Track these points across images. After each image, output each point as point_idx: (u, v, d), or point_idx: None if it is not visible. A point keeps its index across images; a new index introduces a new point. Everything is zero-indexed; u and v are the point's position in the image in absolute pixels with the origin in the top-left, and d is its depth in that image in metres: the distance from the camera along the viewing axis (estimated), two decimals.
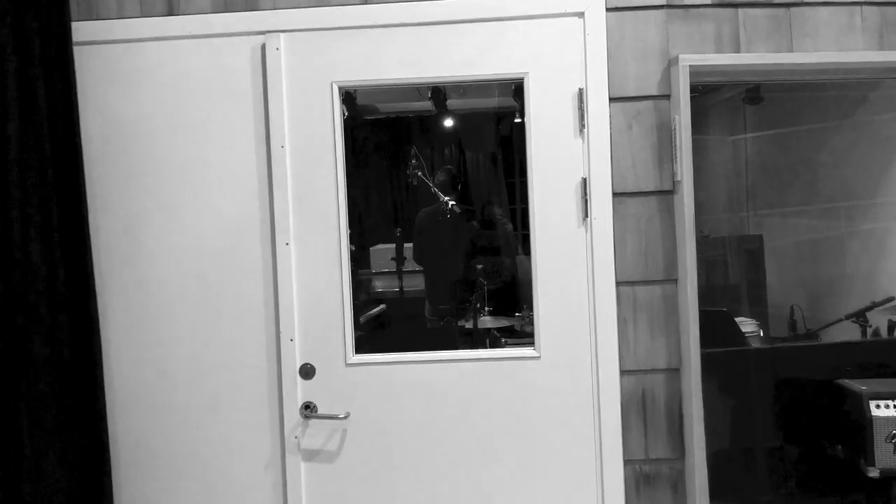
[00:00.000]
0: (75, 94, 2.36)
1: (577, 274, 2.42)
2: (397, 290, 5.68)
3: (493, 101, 6.47)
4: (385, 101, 6.23)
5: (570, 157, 2.42)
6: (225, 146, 2.48)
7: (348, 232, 2.48)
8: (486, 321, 4.29)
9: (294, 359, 2.47)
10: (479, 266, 5.92)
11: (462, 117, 6.56)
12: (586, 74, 2.41)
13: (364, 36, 2.43)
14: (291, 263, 2.46)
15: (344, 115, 5.31)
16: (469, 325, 4.21)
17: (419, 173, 3.91)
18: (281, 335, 2.46)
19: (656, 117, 2.42)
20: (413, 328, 5.30)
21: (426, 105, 5.48)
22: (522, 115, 2.48)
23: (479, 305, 4.24)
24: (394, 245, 5.69)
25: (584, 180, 2.41)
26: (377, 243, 6.10)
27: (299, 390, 2.47)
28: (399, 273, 5.62)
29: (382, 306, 5.82)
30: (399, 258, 5.63)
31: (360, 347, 3.85)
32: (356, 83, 2.46)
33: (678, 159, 2.38)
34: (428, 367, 2.47)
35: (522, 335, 4.49)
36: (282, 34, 2.44)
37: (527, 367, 2.45)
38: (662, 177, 2.42)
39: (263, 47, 2.45)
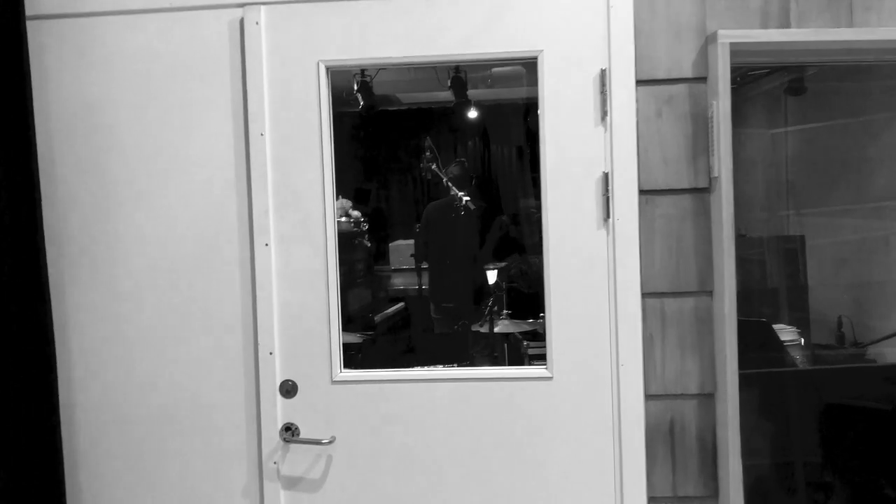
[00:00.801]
0: (28, 74, 2.06)
1: (596, 283, 2.07)
2: (416, 287, 5.39)
3: (521, 92, 6.14)
4: (406, 91, 5.92)
5: (590, 149, 2.06)
6: (198, 133, 2.16)
7: (337, 230, 2.15)
8: (505, 325, 3.95)
9: (274, 375, 2.15)
10: (503, 264, 5.62)
11: (488, 109, 6.25)
12: (610, 53, 2.05)
13: (353, 9, 2.09)
14: (272, 266, 2.14)
15: (360, 104, 5.01)
16: (484, 329, 3.87)
17: (433, 166, 3.55)
18: (259, 347, 2.15)
19: (691, 103, 2.06)
20: (424, 332, 5.00)
21: (449, 95, 5.16)
22: None
23: (496, 308, 3.90)
24: (413, 241, 5.40)
25: (606, 175, 2.06)
26: (397, 239, 5.85)
27: (279, 410, 2.16)
28: (418, 270, 5.33)
29: (400, 304, 5.56)
30: (418, 255, 5.33)
31: (366, 352, 3.54)
32: (344, 62, 2.12)
33: (716, 152, 2.02)
34: (424, 386, 2.14)
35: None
36: (262, 6, 2.11)
37: (537, 389, 2.11)
38: (697, 172, 2.06)
39: (242, 21, 2.13)
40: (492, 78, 5.70)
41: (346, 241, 5.32)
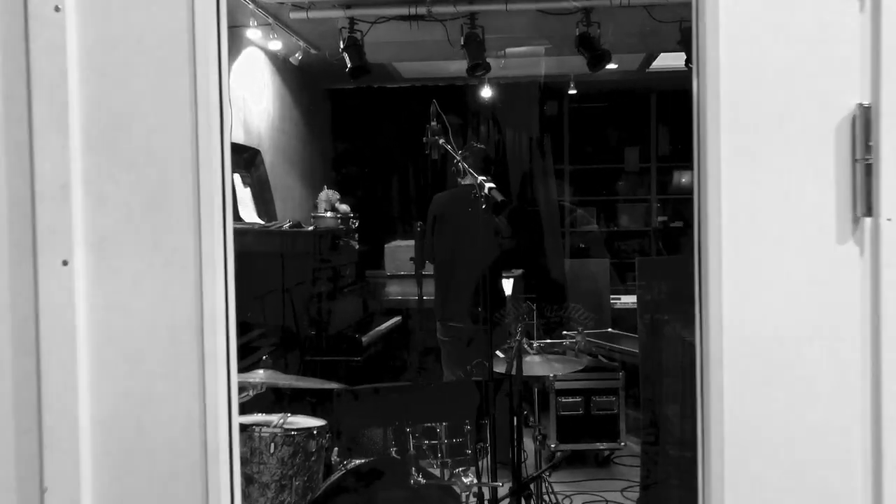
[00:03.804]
0: None
1: (832, 358, 0.84)
2: (417, 297, 4.22)
3: (539, 68, 5.01)
4: (407, 60, 4.70)
5: (825, 55, 0.82)
6: None
7: (226, 233, 0.91)
8: (535, 364, 2.72)
9: None
10: (519, 273, 4.48)
11: (502, 88, 5.12)
12: None
13: None
14: (76, 308, 0.89)
15: (346, 66, 3.73)
16: (511, 368, 2.62)
17: (441, 140, 2.33)
18: (46, 499, 0.90)
19: None
20: (423, 371, 3.82)
21: (459, 64, 3.96)
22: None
23: (522, 340, 2.66)
24: (413, 242, 4.22)
25: (866, 112, 0.82)
26: (394, 239, 4.73)
27: None
28: (419, 277, 4.14)
29: (396, 319, 4.39)
30: (419, 259, 4.15)
31: (341, 412, 2.45)
32: None
33: None
34: None
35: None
36: None
37: None
38: None
39: None
40: (505, 58, 4.55)
41: (331, 241, 4.17)
